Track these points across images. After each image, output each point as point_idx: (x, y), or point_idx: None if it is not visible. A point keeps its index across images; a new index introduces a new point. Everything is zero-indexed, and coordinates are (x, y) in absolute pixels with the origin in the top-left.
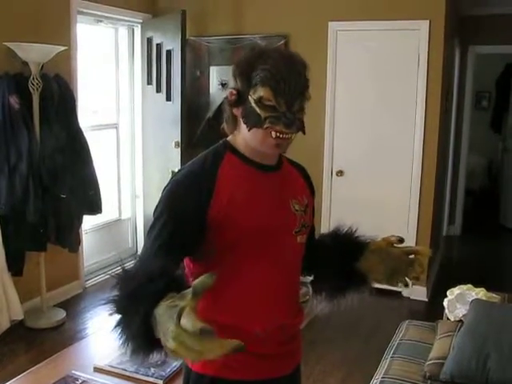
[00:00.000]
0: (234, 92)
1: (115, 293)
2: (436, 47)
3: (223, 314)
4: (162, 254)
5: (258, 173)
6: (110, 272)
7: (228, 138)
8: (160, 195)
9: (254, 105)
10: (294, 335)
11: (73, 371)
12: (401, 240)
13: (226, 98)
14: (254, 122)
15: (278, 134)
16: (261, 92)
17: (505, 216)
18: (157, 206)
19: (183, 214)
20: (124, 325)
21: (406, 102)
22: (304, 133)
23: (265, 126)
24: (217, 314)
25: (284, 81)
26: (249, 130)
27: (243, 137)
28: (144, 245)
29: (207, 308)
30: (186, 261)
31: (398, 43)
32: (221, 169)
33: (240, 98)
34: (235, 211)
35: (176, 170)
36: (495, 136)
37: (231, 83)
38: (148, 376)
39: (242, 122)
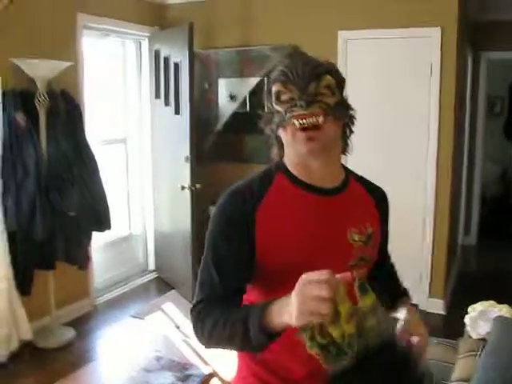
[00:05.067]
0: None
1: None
2: (449, 55)
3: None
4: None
5: (313, 197)
6: (120, 288)
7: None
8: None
9: (275, 106)
10: None
11: None
12: None
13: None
14: (278, 121)
15: (300, 121)
16: (274, 89)
17: None
18: (209, 228)
19: (234, 237)
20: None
21: (419, 110)
22: (352, 123)
23: (287, 117)
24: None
25: (291, 70)
26: (277, 133)
27: (286, 153)
28: (204, 269)
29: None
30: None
31: (409, 51)
32: (269, 193)
33: (272, 115)
34: (278, 242)
35: (186, 185)
36: (509, 143)
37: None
38: None
39: (281, 138)
